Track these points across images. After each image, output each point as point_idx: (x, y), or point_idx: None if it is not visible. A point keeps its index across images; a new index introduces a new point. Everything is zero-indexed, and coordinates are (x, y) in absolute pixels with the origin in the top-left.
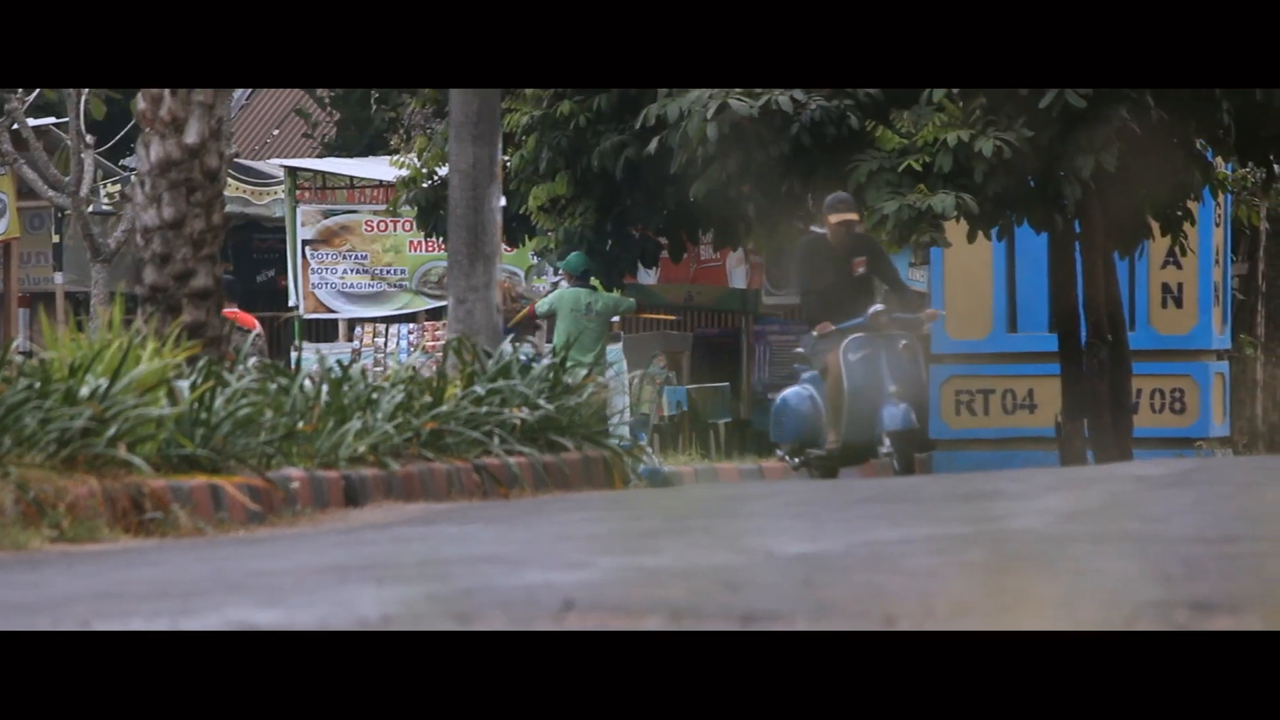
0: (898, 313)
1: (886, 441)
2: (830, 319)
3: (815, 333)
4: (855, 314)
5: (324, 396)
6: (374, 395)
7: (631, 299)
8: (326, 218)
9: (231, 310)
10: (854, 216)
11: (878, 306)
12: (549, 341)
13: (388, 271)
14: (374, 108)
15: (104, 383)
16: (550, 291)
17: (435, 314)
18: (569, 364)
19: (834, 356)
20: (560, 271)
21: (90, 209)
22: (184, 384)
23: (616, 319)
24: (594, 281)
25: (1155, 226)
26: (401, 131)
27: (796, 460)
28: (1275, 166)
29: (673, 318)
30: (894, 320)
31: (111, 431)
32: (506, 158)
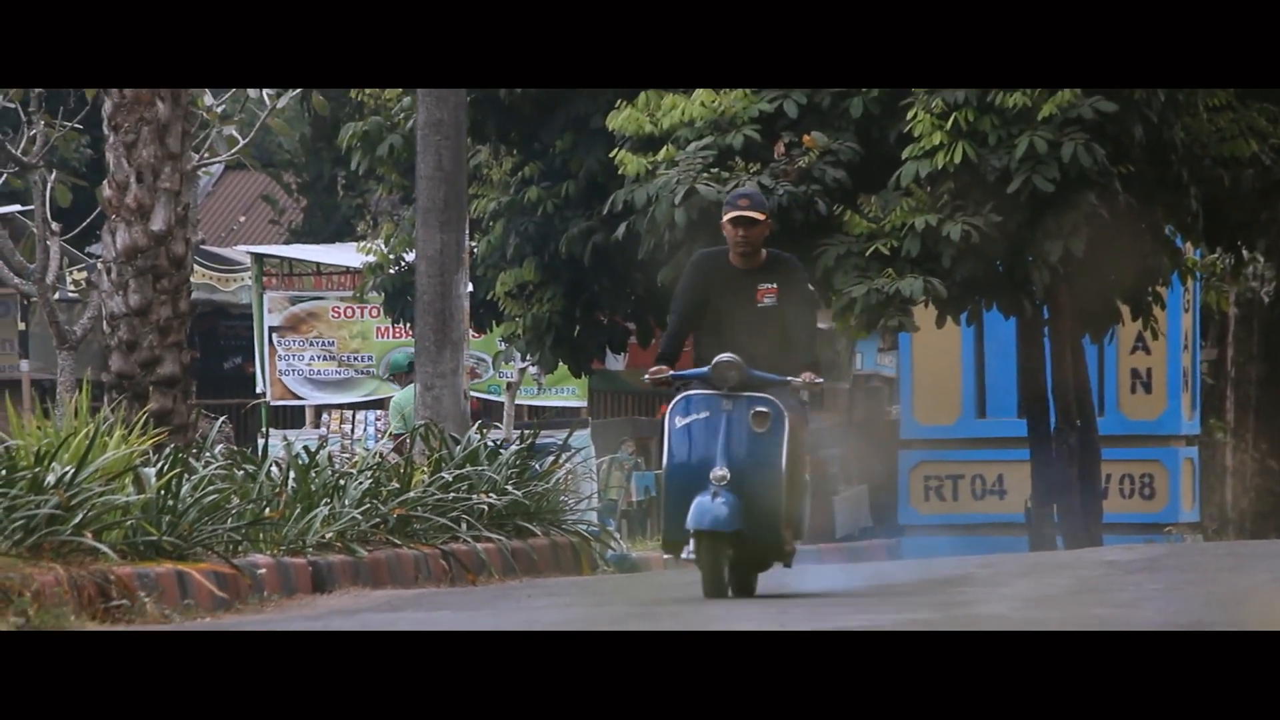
0: (757, 370)
1: (690, 544)
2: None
3: (646, 376)
4: (751, 364)
5: (291, 483)
6: (341, 482)
7: None
8: (293, 304)
9: None
10: (757, 216)
11: (726, 356)
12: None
13: (355, 358)
14: (341, 194)
15: (70, 470)
16: (517, 380)
17: None
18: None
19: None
20: (398, 373)
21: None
22: (150, 471)
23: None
24: None
25: (1125, 311)
26: (368, 217)
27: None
28: (1243, 252)
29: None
30: (753, 378)
31: (78, 519)
32: (474, 244)
